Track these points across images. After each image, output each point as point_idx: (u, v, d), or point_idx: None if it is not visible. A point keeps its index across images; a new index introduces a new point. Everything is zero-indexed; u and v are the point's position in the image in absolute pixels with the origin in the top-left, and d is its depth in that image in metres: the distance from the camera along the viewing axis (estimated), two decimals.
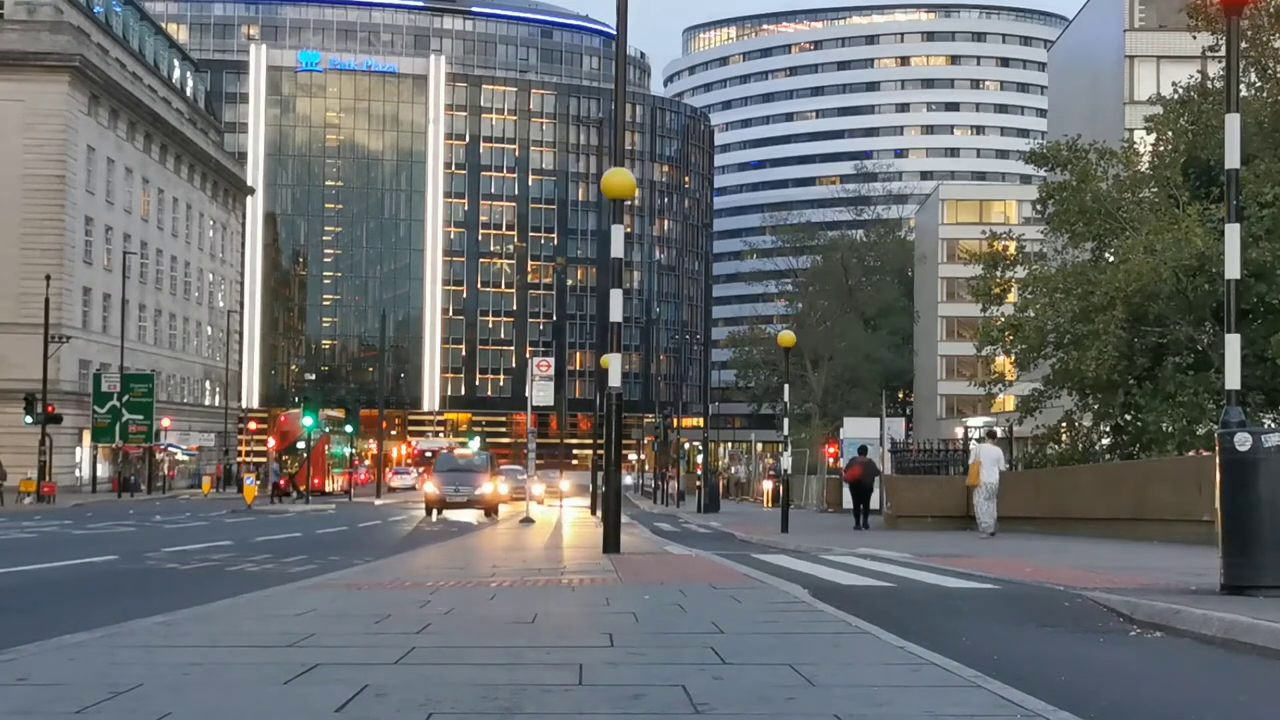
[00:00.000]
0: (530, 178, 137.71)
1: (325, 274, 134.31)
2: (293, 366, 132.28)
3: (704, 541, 23.35)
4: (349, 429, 77.24)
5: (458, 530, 25.52)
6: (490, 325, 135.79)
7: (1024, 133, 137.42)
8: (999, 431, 28.97)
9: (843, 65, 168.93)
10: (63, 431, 58.56)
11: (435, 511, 35.62)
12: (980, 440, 27.56)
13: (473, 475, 36.56)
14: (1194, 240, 25.00)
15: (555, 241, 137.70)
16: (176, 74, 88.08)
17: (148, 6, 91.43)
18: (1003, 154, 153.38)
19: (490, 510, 35.71)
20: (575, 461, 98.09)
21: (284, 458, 64.12)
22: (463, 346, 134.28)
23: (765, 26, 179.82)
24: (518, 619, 7.64)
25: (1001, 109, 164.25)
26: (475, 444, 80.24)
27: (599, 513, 26.53)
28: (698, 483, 55.32)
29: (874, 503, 31.76)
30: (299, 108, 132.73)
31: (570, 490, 53.12)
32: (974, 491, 23.93)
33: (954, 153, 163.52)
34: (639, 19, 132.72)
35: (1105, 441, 29.66)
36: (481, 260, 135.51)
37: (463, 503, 35.63)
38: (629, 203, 21.20)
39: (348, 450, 76.72)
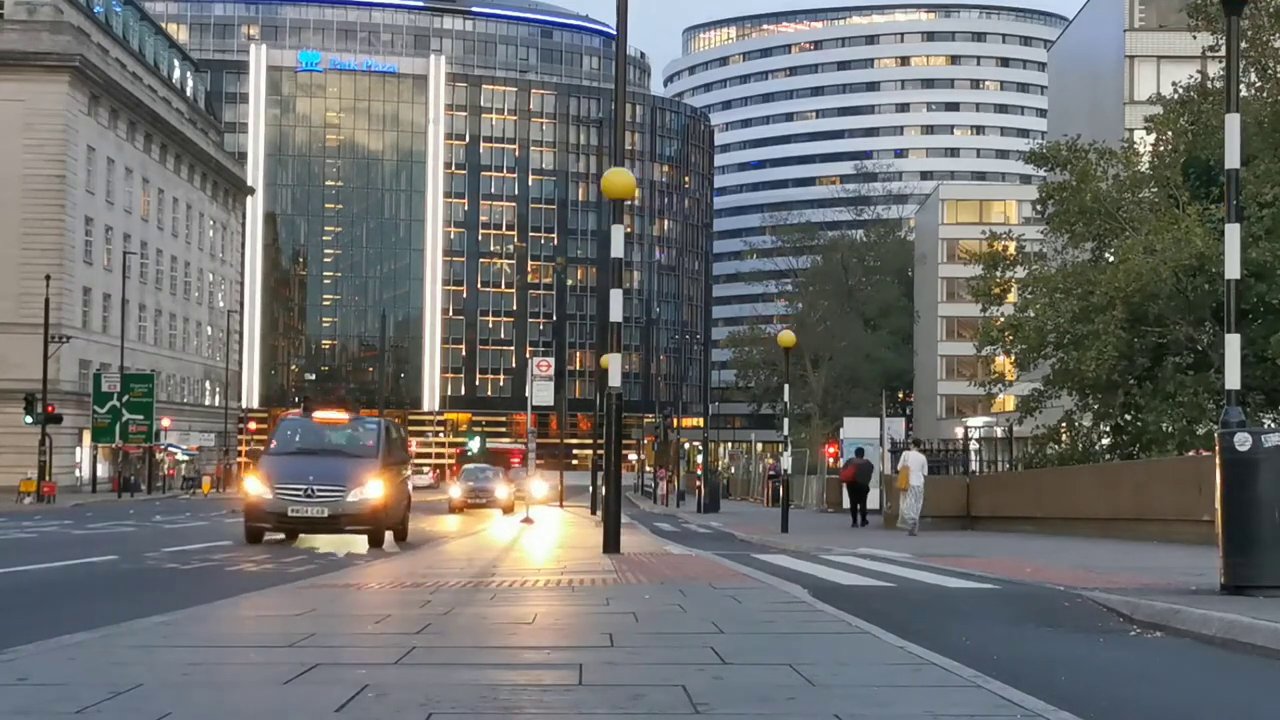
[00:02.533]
0: (530, 178, 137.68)
1: (325, 274, 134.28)
2: (293, 366, 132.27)
3: (704, 541, 23.35)
4: None
5: (457, 533, 25.44)
6: (490, 325, 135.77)
7: (1024, 133, 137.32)
8: (923, 440, 30.90)
9: (843, 65, 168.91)
10: (63, 431, 58.55)
11: (280, 532, 19.47)
12: (906, 448, 29.72)
13: (345, 466, 18.87)
14: (1194, 240, 25.00)
15: (555, 241, 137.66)
16: (176, 74, 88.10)
17: (148, 6, 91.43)
18: (1003, 154, 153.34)
19: (382, 530, 18.94)
20: (575, 461, 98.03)
21: None
22: (463, 346, 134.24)
23: (765, 26, 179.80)
24: (517, 619, 7.64)
25: (1001, 109, 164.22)
26: (475, 444, 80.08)
27: (599, 513, 26.52)
28: (698, 482, 55.29)
29: (874, 502, 32.65)
30: (299, 108, 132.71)
31: (547, 496, 45.33)
32: (902, 494, 25.65)
33: (954, 153, 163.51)
34: (639, 19, 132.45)
35: (1105, 441, 29.68)
36: (481, 260, 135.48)
37: (321, 519, 18.42)
38: (629, 202, 21.15)
39: None
